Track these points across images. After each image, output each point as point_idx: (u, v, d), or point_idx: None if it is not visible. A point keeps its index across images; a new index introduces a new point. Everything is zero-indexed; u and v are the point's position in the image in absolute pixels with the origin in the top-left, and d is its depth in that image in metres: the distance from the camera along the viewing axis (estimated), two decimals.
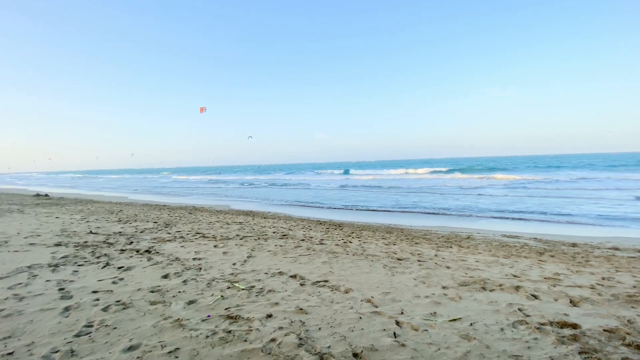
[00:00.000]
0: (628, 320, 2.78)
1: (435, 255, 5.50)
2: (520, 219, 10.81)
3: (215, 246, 5.88)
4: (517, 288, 3.68)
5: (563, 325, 2.72)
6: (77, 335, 2.45)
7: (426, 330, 2.63)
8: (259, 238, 6.69)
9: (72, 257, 4.84)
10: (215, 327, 2.65)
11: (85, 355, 2.19)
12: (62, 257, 4.80)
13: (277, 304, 3.15)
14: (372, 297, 3.35)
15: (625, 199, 14.26)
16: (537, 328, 2.65)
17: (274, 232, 7.47)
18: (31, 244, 5.72)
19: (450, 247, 6.39)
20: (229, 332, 2.55)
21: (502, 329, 2.66)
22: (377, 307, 3.10)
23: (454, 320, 2.85)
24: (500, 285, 3.79)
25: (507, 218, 11.03)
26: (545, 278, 4.18)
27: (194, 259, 4.93)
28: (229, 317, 2.84)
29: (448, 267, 4.67)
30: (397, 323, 2.74)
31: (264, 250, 5.53)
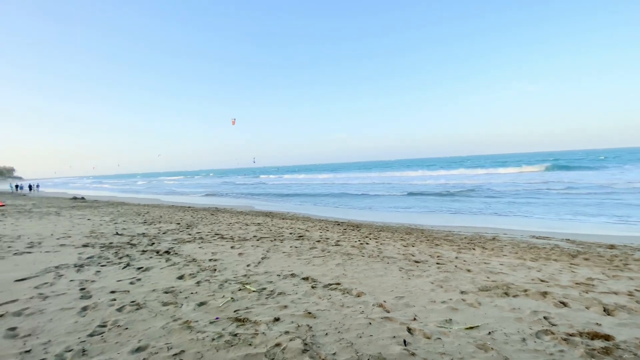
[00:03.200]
0: None
1: (456, 257, 5.26)
2: (551, 218, 10.18)
3: (232, 247, 5.95)
4: (544, 294, 3.42)
5: (594, 336, 2.48)
6: (91, 335, 2.53)
7: (439, 338, 2.48)
8: (275, 239, 6.70)
9: (97, 258, 5.06)
10: (222, 329, 2.64)
11: (95, 355, 2.25)
12: (88, 258, 5.03)
13: (286, 307, 3.10)
14: (384, 301, 3.22)
15: None
16: (564, 339, 2.43)
17: (290, 233, 7.47)
18: (62, 244, 6.05)
19: (473, 249, 6.09)
20: (235, 335, 2.54)
21: (523, 339, 2.46)
22: (388, 312, 2.98)
23: (471, 328, 2.68)
24: (525, 290, 3.54)
25: (537, 217, 10.42)
26: (576, 283, 3.87)
27: (210, 260, 5.00)
28: (236, 319, 2.83)
29: (469, 271, 4.44)
30: (409, 330, 2.61)
31: (279, 252, 5.52)
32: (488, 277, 4.13)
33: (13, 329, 2.64)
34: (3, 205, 16.16)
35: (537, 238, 7.39)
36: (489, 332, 2.59)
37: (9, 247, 5.87)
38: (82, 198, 24.13)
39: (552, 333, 2.54)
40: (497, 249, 6.08)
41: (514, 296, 3.41)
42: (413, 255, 5.27)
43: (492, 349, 2.33)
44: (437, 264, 4.77)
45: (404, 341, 2.41)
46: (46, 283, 3.79)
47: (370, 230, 8.22)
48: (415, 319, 2.82)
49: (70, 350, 2.30)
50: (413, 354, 2.24)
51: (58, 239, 6.64)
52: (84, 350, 2.30)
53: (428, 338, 2.48)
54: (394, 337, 2.49)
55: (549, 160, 54.54)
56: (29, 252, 5.42)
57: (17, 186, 42.54)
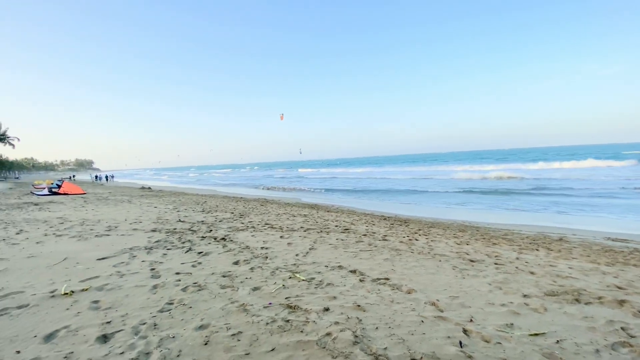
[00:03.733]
0: None
1: (517, 258, 4.87)
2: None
3: (281, 237, 6.15)
4: (622, 302, 3.03)
5: None
6: (161, 311, 2.81)
7: (500, 343, 2.33)
8: (321, 231, 6.80)
9: (163, 242, 5.58)
10: (275, 315, 2.76)
11: (165, 329, 2.50)
12: (156, 242, 5.57)
13: (334, 297, 3.14)
14: (437, 300, 3.11)
15: None
16: None
17: (336, 226, 7.51)
18: (134, 229, 6.78)
19: (537, 249, 5.58)
20: (287, 321, 2.64)
21: (597, 350, 2.21)
22: (442, 311, 2.87)
23: (536, 334, 2.47)
24: (600, 298, 3.17)
25: (613, 217, 9.20)
26: None
27: (261, 248, 5.24)
28: (288, 306, 2.94)
29: (532, 273, 4.08)
30: (465, 331, 2.48)
31: (326, 244, 5.59)
32: (555, 281, 3.77)
33: (96, 301, 3.03)
34: (85, 193, 18.54)
35: (612, 240, 6.53)
36: (557, 341, 2.37)
37: (91, 229, 6.74)
38: (149, 188, 26.73)
39: (630, 345, 2.26)
40: (565, 251, 5.50)
41: (587, 303, 3.07)
42: (467, 254, 4.99)
43: (560, 358, 2.14)
44: (495, 264, 4.46)
45: (460, 342, 2.30)
46: (122, 262, 4.29)
47: (419, 226, 7.94)
48: (471, 320, 2.68)
49: (144, 324, 2.58)
50: (470, 357, 2.14)
51: (131, 223, 7.45)
52: (155, 325, 2.57)
53: (487, 342, 2.34)
54: (449, 337, 2.39)
55: (630, 152, 47.57)
56: (108, 235, 6.16)
57: (96, 177, 48.62)
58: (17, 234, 6.25)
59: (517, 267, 4.33)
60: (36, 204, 12.21)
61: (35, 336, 2.39)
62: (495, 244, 5.97)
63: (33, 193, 18.45)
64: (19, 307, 2.89)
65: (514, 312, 2.87)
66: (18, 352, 2.19)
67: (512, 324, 2.64)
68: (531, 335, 2.47)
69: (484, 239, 6.48)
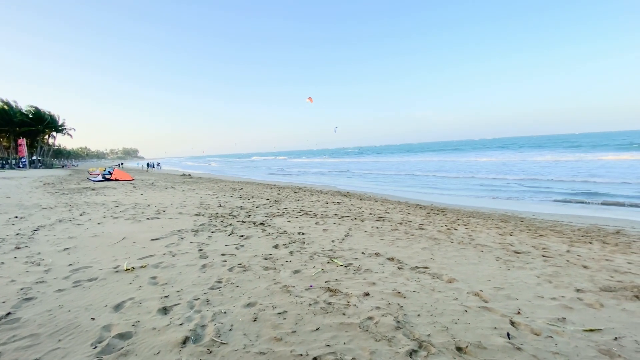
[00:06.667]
0: None
1: (568, 251, 4.58)
2: None
3: (316, 223, 6.26)
4: None
5: None
6: (211, 289, 3.02)
7: (551, 337, 2.24)
8: (355, 218, 6.81)
9: (207, 225, 5.92)
10: (317, 297, 2.86)
11: (216, 305, 2.68)
12: (201, 225, 5.92)
13: (374, 284, 3.18)
14: (480, 290, 3.03)
15: None
16: None
17: (370, 214, 7.49)
18: (180, 213, 7.23)
19: (590, 242, 5.20)
20: (329, 303, 2.72)
21: None
22: (486, 302, 2.80)
23: (591, 330, 2.35)
24: None
25: None
26: None
27: (298, 233, 5.38)
28: (329, 289, 3.03)
29: (585, 267, 3.83)
30: (512, 323, 2.42)
31: (361, 231, 5.61)
32: (612, 277, 3.52)
33: (154, 277, 3.32)
34: (133, 180, 19.96)
35: None
36: (615, 338, 2.24)
37: (143, 212, 7.28)
38: (189, 175, 28.19)
39: None
40: (623, 245, 5.08)
41: None
42: (512, 245, 4.77)
43: (619, 356, 2.02)
44: (543, 256, 4.23)
45: (508, 334, 2.25)
46: (173, 243, 4.62)
47: (457, 216, 7.69)
48: (519, 312, 2.60)
49: (197, 299, 2.79)
50: (519, 349, 2.08)
51: (177, 208, 7.96)
52: (207, 300, 2.77)
53: (536, 335, 2.26)
54: (495, 328, 2.34)
55: None
56: (157, 218, 6.63)
57: (148, 164, 52.23)
58: (81, 215, 6.94)
59: (568, 260, 4.08)
60: (93, 189, 13.39)
61: (106, 306, 2.68)
62: (542, 235, 5.64)
63: (89, 179, 20.22)
64: (90, 280, 3.24)
65: (566, 307, 2.73)
66: (93, 319, 2.47)
67: (564, 319, 2.52)
68: (586, 330, 2.35)
69: (529, 230, 6.15)
